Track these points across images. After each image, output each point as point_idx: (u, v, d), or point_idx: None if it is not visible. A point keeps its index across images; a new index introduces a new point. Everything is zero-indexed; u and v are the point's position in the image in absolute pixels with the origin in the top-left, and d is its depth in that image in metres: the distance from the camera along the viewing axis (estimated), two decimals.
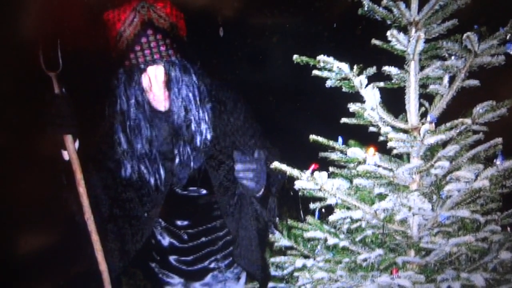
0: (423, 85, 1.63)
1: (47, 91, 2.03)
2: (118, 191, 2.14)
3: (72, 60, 2.21)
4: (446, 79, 1.60)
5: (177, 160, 2.04)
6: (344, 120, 1.72)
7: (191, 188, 2.10)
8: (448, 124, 1.54)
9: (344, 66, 1.64)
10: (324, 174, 1.61)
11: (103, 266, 2.07)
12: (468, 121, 1.51)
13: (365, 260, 1.62)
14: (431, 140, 1.53)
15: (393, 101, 1.67)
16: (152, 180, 2.07)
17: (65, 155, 2.10)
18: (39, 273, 3.00)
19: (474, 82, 1.57)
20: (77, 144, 2.10)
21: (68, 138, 2.04)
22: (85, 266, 2.18)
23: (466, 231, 1.53)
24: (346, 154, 1.66)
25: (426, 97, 1.65)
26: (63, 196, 2.21)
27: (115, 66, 2.04)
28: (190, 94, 2.02)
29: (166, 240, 2.16)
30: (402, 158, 1.70)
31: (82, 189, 2.08)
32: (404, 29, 1.62)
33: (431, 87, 1.61)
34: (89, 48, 2.39)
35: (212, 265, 2.13)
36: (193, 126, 2.01)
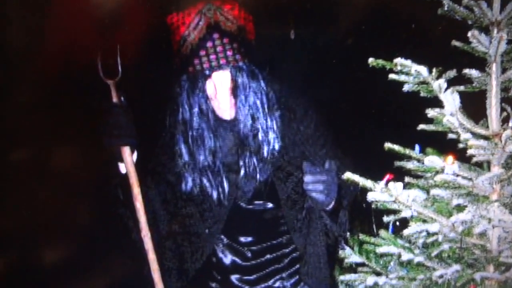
0: (505, 89, 1.93)
1: (105, 100, 2.33)
2: (178, 206, 2.48)
3: (131, 67, 2.50)
4: None
5: (242, 172, 2.34)
6: (421, 126, 2.04)
7: (256, 202, 2.41)
8: None
9: (423, 69, 1.92)
10: (400, 184, 1.89)
11: (159, 287, 2.37)
12: None
13: (441, 276, 1.92)
14: None
15: (473, 106, 1.99)
16: (215, 194, 2.38)
17: (122, 168, 2.39)
18: None
19: None
20: (135, 156, 2.39)
21: (126, 150, 2.32)
22: (141, 287, 2.49)
23: None
24: (423, 163, 1.95)
25: (509, 101, 1.96)
26: (118, 212, 2.51)
27: (178, 72, 2.36)
28: (258, 102, 2.31)
29: (228, 258, 2.48)
30: (482, 166, 2.01)
31: (139, 204, 2.36)
32: (485, 30, 1.95)
33: None
34: (150, 54, 2.76)
35: (277, 284, 2.45)
36: (260, 136, 2.31)
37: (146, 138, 2.55)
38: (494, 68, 1.92)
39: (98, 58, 2.36)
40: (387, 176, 1.95)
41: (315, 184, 2.15)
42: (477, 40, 1.90)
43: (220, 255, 2.51)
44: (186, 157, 2.42)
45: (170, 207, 2.52)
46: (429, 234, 1.98)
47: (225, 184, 2.41)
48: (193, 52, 2.27)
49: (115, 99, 2.33)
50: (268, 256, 2.47)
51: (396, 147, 2.01)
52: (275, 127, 2.35)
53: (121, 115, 2.29)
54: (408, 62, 1.97)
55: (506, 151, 1.84)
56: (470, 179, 1.91)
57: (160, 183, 2.53)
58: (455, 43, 2.00)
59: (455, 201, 1.93)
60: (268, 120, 2.34)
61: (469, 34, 1.90)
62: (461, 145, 1.98)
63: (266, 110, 2.35)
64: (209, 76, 2.29)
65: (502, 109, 1.95)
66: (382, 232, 2.06)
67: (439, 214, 1.94)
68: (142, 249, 2.41)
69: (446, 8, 2.00)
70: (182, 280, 2.50)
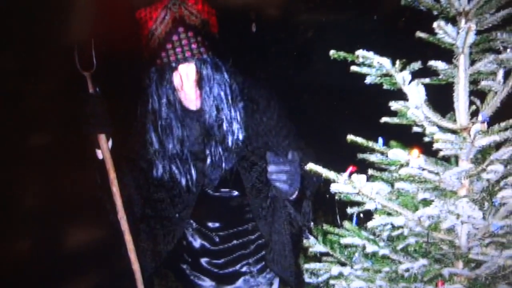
0: (473, 81, 1.37)
1: (82, 90, 1.92)
2: (150, 191, 1.97)
3: (106, 59, 2.06)
4: (500, 75, 1.33)
5: (208, 161, 1.83)
6: (385, 119, 1.47)
7: (222, 190, 1.89)
8: (503, 124, 1.28)
9: (386, 61, 1.38)
10: (363, 177, 1.37)
11: (135, 266, 1.93)
12: None
13: (407, 270, 1.38)
14: (483, 141, 1.27)
15: (441, 99, 1.41)
16: (183, 181, 1.88)
17: (99, 154, 1.97)
18: (73, 271, 2.84)
19: None
20: (110, 143, 1.97)
21: (102, 138, 1.92)
22: (118, 265, 2.01)
23: None
24: (387, 156, 1.41)
25: (478, 94, 1.38)
26: (97, 195, 2.06)
27: (147, 65, 1.87)
28: (222, 93, 1.81)
29: (197, 242, 1.95)
30: (450, 161, 1.45)
31: (115, 189, 1.95)
32: (452, 20, 1.36)
33: (483, 83, 1.34)
34: (123, 47, 2.21)
35: (244, 269, 1.92)
36: (224, 126, 1.81)
37: (120, 127, 2.06)
38: (462, 60, 1.34)
39: (75, 52, 1.93)
40: (350, 168, 1.40)
41: (278, 174, 1.63)
42: (444, 31, 1.32)
43: (190, 238, 1.98)
44: (156, 145, 1.90)
45: (143, 192, 2.00)
46: (394, 227, 1.45)
47: (193, 172, 1.88)
48: (160, 45, 1.79)
49: (91, 90, 1.91)
50: (235, 241, 1.94)
51: (359, 140, 1.45)
52: (238, 117, 1.82)
53: (97, 105, 1.88)
54: (370, 54, 1.40)
55: (475, 145, 1.30)
56: (437, 174, 1.37)
57: (134, 169, 2.01)
58: (420, 34, 1.41)
59: (421, 195, 1.40)
60: (232, 111, 1.82)
61: (435, 25, 1.32)
62: (427, 139, 1.40)
63: (230, 101, 1.83)
64: (176, 68, 1.80)
65: (471, 103, 1.37)
66: (346, 224, 1.52)
67: (405, 207, 1.41)
68: (119, 230, 1.94)
69: None
70: (156, 261, 1.99)
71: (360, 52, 1.41)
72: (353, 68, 1.45)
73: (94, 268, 2.73)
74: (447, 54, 1.36)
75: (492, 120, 1.32)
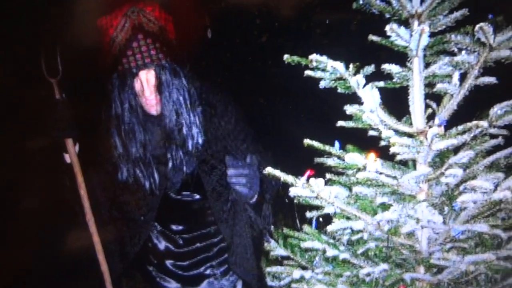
0: (429, 84, 1.14)
1: (48, 96, 1.73)
2: (116, 194, 1.74)
3: (71, 66, 1.83)
4: (456, 77, 1.11)
5: (170, 164, 1.60)
6: (340, 123, 1.24)
7: (184, 193, 1.65)
8: (460, 128, 1.06)
9: (339, 65, 1.15)
10: (321, 181, 1.14)
11: (104, 267, 1.72)
12: (484, 123, 1.03)
13: (368, 274, 1.16)
14: (440, 145, 1.05)
15: (397, 102, 1.17)
16: (147, 184, 1.64)
17: (67, 158, 1.75)
18: (42, 273, 2.54)
19: (490, 80, 1.08)
20: (77, 147, 1.75)
21: (69, 142, 1.72)
22: (87, 267, 1.75)
23: (485, 248, 1.06)
24: (343, 160, 1.18)
25: (434, 97, 1.15)
26: (66, 198, 1.81)
27: (110, 71, 1.64)
28: (181, 98, 1.59)
29: (162, 244, 1.70)
30: (407, 165, 1.22)
31: (83, 191, 1.74)
32: (405, 23, 1.13)
33: (439, 86, 1.12)
34: (87, 54, 1.93)
35: (208, 272, 1.67)
36: (184, 130, 1.58)
37: (86, 131, 1.82)
38: (416, 62, 1.12)
39: (41, 59, 1.73)
40: (308, 172, 1.17)
41: (238, 178, 1.42)
42: (396, 34, 1.09)
43: (155, 241, 1.73)
44: (120, 149, 1.66)
45: (109, 194, 1.76)
46: (353, 232, 1.22)
47: (156, 175, 1.64)
48: (121, 52, 1.58)
49: (58, 96, 1.71)
50: (198, 244, 1.69)
51: (316, 143, 1.22)
52: (197, 122, 1.59)
53: (63, 110, 1.69)
54: (323, 58, 1.16)
55: (432, 149, 1.07)
56: (395, 178, 1.15)
57: (100, 173, 1.77)
58: (372, 37, 1.16)
59: (379, 199, 1.17)
60: (191, 115, 1.59)
61: (387, 27, 1.08)
62: (383, 143, 1.17)
63: (189, 106, 1.60)
64: (137, 74, 1.58)
65: (427, 106, 1.14)
66: (306, 227, 1.29)
67: (363, 211, 1.18)
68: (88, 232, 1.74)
69: (361, 1, 1.16)
70: (123, 262, 1.74)
71: (313, 57, 1.17)
72: (307, 72, 1.21)
73: (62, 269, 2.44)
74: (402, 56, 1.13)
75: (450, 124, 1.09)
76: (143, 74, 1.56)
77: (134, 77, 1.57)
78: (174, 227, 1.66)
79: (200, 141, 1.54)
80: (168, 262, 1.68)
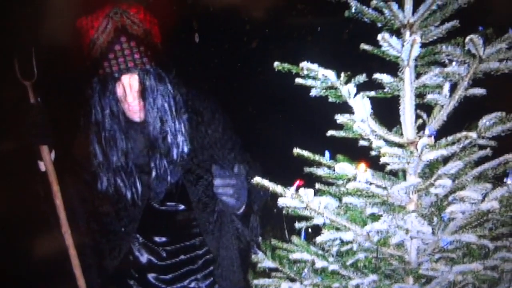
0: (420, 95, 1.16)
1: (23, 100, 1.66)
2: (94, 205, 1.67)
3: (47, 69, 1.79)
4: (446, 88, 1.12)
5: (153, 174, 1.55)
6: (331, 132, 1.23)
7: (168, 203, 1.60)
8: (450, 138, 1.07)
9: (330, 74, 1.15)
10: (310, 191, 1.14)
11: (81, 282, 1.65)
12: (473, 134, 1.04)
13: (357, 286, 1.15)
14: (430, 155, 1.06)
15: (388, 112, 1.18)
16: (128, 194, 1.59)
17: (42, 166, 1.67)
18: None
19: (479, 91, 1.10)
20: (53, 155, 1.68)
21: (44, 149, 1.64)
22: (63, 282, 1.66)
23: (472, 258, 1.07)
24: (334, 170, 1.17)
25: (424, 107, 1.16)
26: (40, 209, 1.73)
27: (89, 75, 1.59)
28: (166, 104, 1.54)
29: (144, 257, 1.64)
30: (397, 175, 1.22)
31: (58, 202, 1.66)
32: (397, 32, 1.14)
33: (429, 96, 1.13)
34: (65, 56, 1.86)
35: (192, 285, 1.63)
36: (169, 138, 1.53)
37: (63, 138, 1.75)
38: (408, 73, 1.12)
39: (15, 61, 1.67)
40: (297, 182, 1.16)
41: (225, 188, 1.39)
42: (388, 44, 1.09)
43: (137, 253, 1.67)
44: (100, 157, 1.61)
45: (87, 205, 1.69)
46: (343, 243, 1.21)
47: (138, 185, 1.60)
48: (102, 55, 1.53)
49: (32, 100, 1.64)
50: (182, 256, 1.64)
51: (305, 153, 1.20)
52: (183, 130, 1.55)
53: (38, 115, 1.62)
54: (314, 66, 1.15)
55: (422, 160, 1.08)
56: (385, 188, 1.15)
57: (78, 182, 1.71)
58: (364, 46, 1.17)
59: (369, 210, 1.18)
60: (176, 123, 1.56)
61: (379, 37, 1.09)
62: (374, 153, 1.17)
63: (174, 113, 1.56)
64: (119, 78, 1.53)
65: (418, 116, 1.14)
66: (295, 239, 1.28)
67: (353, 222, 1.17)
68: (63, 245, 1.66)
69: (353, 10, 1.16)
70: (102, 277, 1.68)
71: (304, 64, 1.16)
72: (298, 80, 1.21)
73: (36, 285, 2.34)
74: (393, 66, 1.13)
75: (439, 134, 1.10)
76: (125, 78, 1.51)
77: (116, 81, 1.52)
78: (157, 238, 1.60)
79: (185, 149, 1.51)
80: (151, 276, 1.62)
